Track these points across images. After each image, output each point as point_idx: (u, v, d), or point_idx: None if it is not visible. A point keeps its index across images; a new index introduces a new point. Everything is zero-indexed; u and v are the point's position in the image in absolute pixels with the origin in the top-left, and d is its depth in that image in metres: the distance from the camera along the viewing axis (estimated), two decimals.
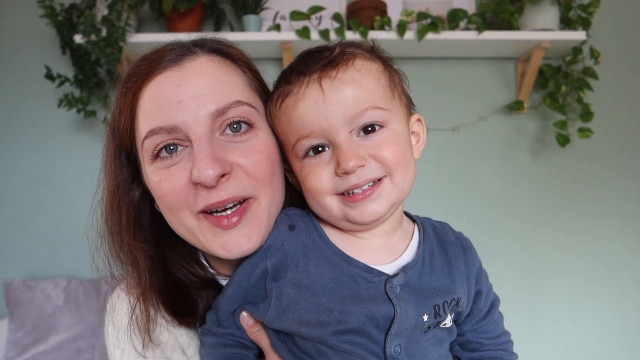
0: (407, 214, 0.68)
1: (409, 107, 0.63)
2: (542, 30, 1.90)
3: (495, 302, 0.69)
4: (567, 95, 2.01)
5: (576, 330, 2.06)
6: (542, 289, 2.08)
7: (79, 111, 1.93)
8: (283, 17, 2.09)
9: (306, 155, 0.58)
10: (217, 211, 0.61)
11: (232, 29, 2.08)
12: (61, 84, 1.94)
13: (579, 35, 1.89)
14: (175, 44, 0.66)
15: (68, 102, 1.91)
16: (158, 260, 0.69)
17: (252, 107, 0.64)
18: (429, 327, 0.58)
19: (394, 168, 0.57)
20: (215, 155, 0.59)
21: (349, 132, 0.56)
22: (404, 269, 0.58)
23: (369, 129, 0.56)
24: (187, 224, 0.63)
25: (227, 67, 0.65)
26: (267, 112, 0.64)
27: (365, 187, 0.56)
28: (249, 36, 1.92)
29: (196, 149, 0.59)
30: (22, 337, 1.82)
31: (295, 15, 1.87)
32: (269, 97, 0.65)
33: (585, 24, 1.92)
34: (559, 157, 2.10)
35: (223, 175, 0.59)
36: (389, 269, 0.59)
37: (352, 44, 0.61)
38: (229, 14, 2.10)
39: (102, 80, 2.02)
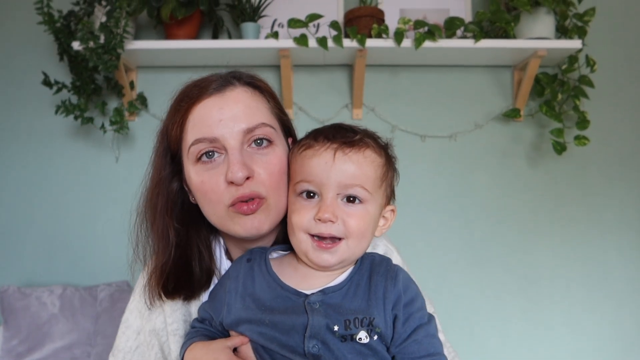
0: None
1: (390, 198, 0.81)
2: (538, 39, 1.91)
3: (421, 326, 0.73)
4: (564, 103, 2.02)
5: (572, 337, 2.06)
6: (538, 296, 2.08)
7: (76, 118, 1.93)
8: (281, 25, 2.10)
9: (300, 194, 0.76)
10: (240, 202, 0.80)
11: (230, 37, 2.09)
12: (58, 90, 1.94)
13: (574, 43, 1.90)
14: (218, 76, 0.84)
15: (65, 108, 1.91)
16: (183, 239, 0.86)
17: (273, 128, 0.83)
18: (344, 338, 0.70)
19: (352, 235, 0.73)
20: (244, 162, 0.78)
21: (337, 194, 0.73)
22: (324, 290, 0.73)
23: (351, 199, 0.73)
24: (219, 213, 0.81)
25: (257, 96, 0.84)
26: (291, 150, 0.83)
27: (329, 240, 0.73)
28: (247, 44, 1.92)
29: (230, 156, 0.78)
30: (16, 345, 1.81)
31: (293, 23, 1.88)
32: (296, 140, 0.87)
33: (581, 33, 1.94)
34: (555, 164, 2.11)
35: (248, 178, 0.78)
36: (314, 291, 0.74)
37: (372, 136, 0.79)
38: (227, 21, 2.11)
39: (99, 87, 2.02)
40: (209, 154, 0.80)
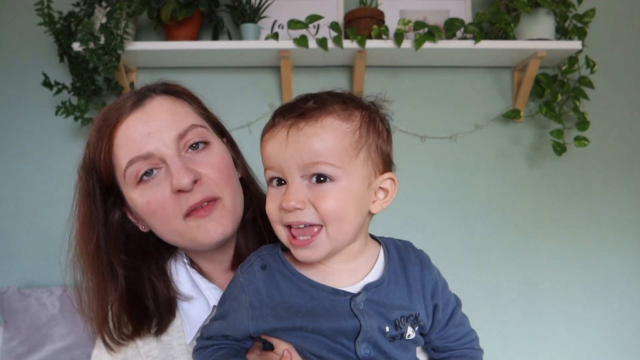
0: (371, 236, 0.75)
1: (383, 166, 0.68)
2: (538, 40, 1.91)
3: (455, 309, 0.76)
4: (564, 104, 2.02)
5: (572, 338, 2.06)
6: (538, 298, 2.08)
7: (76, 119, 1.93)
8: (281, 26, 2.10)
9: (270, 182, 0.68)
10: (194, 209, 0.77)
11: (230, 38, 2.09)
12: (59, 91, 1.94)
13: (574, 44, 1.90)
14: (132, 92, 0.81)
15: (65, 109, 1.91)
16: (132, 272, 0.82)
17: (204, 127, 0.81)
18: (393, 338, 0.67)
19: (327, 220, 0.63)
20: (187, 167, 0.75)
21: (301, 177, 0.64)
22: (366, 287, 0.67)
23: (321, 178, 0.63)
24: (177, 229, 0.77)
25: (177, 101, 0.82)
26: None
27: (302, 237, 0.64)
28: (247, 44, 1.93)
29: (171, 165, 0.75)
30: (16, 346, 1.81)
31: (293, 24, 1.88)
32: (231, 140, 0.90)
33: (581, 34, 1.94)
34: (555, 165, 2.11)
35: (195, 182, 0.75)
36: (354, 289, 0.67)
37: (342, 98, 0.67)
38: (227, 22, 2.11)
39: (99, 88, 2.02)
40: (148, 172, 0.76)
